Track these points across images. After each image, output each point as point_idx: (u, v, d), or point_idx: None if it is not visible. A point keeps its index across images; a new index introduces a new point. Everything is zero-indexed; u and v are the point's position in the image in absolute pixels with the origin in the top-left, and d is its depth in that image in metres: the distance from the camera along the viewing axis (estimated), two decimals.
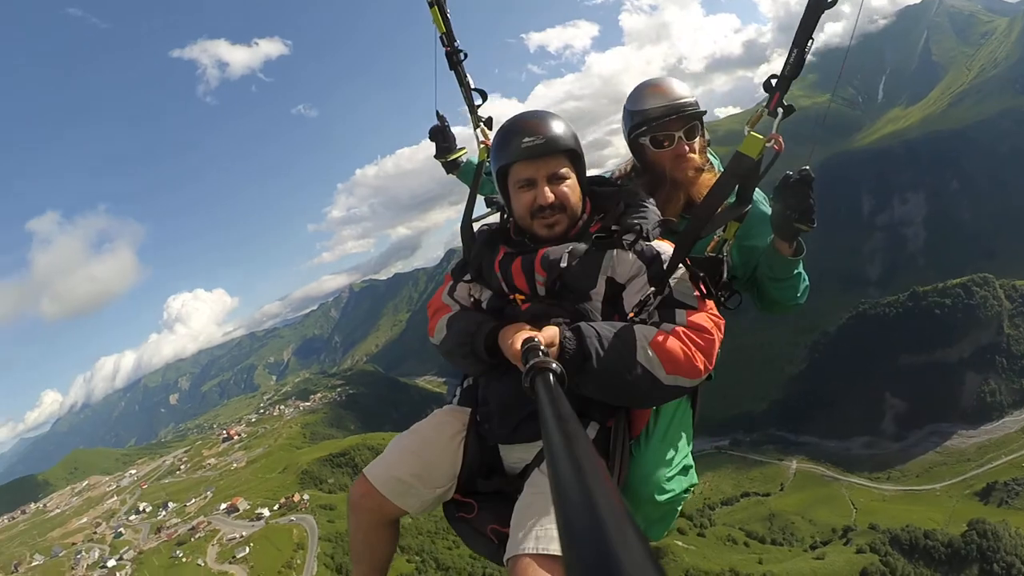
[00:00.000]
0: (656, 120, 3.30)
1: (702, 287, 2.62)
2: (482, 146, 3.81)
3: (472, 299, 2.99)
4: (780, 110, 2.71)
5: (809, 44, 2.51)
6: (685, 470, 3.17)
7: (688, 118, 3.30)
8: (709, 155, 3.56)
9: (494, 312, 2.85)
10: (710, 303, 2.62)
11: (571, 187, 2.73)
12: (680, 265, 2.62)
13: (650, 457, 3.03)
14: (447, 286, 3.08)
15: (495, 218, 3.57)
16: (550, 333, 2.41)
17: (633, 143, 3.48)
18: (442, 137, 4.33)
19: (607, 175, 3.63)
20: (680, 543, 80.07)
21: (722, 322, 2.60)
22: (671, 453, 3.09)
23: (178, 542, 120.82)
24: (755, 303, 3.49)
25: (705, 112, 3.38)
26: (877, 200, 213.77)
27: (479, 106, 3.88)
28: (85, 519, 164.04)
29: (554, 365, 1.73)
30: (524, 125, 2.65)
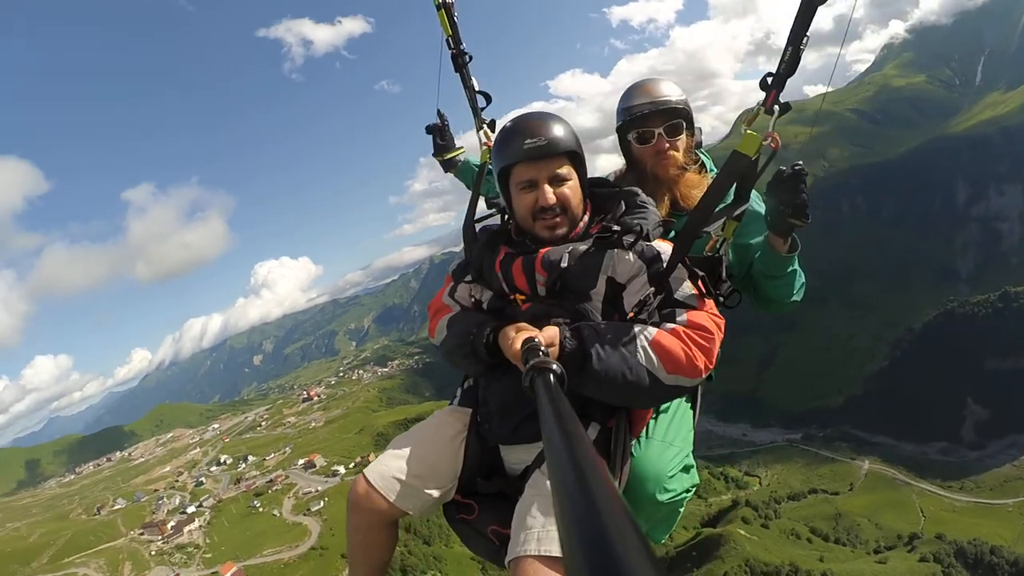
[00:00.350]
0: (639, 116, 3.39)
1: (701, 286, 2.67)
2: (484, 148, 3.86)
3: (473, 300, 3.04)
4: (776, 108, 2.77)
5: (804, 41, 2.58)
6: (686, 470, 3.22)
7: (669, 115, 3.38)
8: (701, 156, 3.66)
9: (494, 312, 2.89)
10: (710, 302, 2.68)
11: (572, 189, 2.76)
12: (679, 264, 2.68)
13: (651, 457, 3.07)
14: (448, 287, 3.13)
15: (496, 219, 3.64)
16: (550, 333, 2.45)
17: (621, 140, 3.61)
18: (440, 135, 4.42)
19: (607, 177, 3.73)
20: (743, 532, 79.77)
21: (722, 322, 2.65)
22: (672, 453, 3.13)
23: (256, 493, 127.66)
24: (751, 302, 3.53)
25: (689, 112, 3.44)
26: (973, 190, 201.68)
27: (483, 109, 3.93)
28: (168, 468, 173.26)
29: (554, 365, 1.74)
30: (526, 126, 2.70)
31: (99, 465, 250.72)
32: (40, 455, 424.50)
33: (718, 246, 3.11)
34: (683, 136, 3.43)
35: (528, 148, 2.64)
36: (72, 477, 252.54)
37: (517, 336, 2.37)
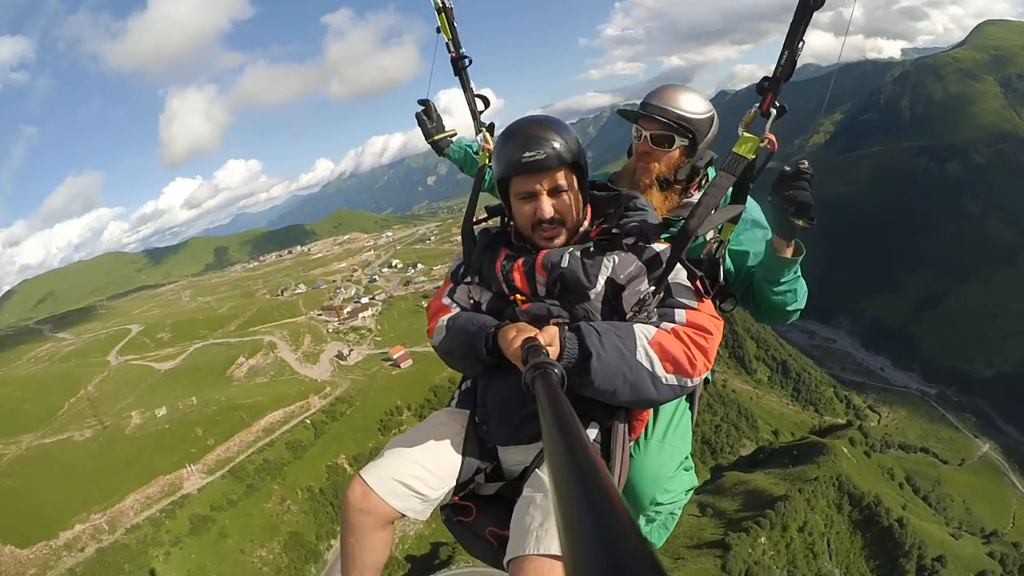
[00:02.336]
0: (640, 114, 3.43)
1: (699, 286, 2.71)
2: (484, 151, 3.89)
3: (472, 301, 3.05)
4: (773, 111, 2.77)
5: (800, 45, 2.59)
6: (685, 471, 3.25)
7: (664, 126, 3.34)
8: (710, 173, 3.58)
9: (494, 313, 2.90)
10: (708, 302, 2.72)
11: (571, 199, 2.76)
12: (678, 265, 2.73)
13: (650, 459, 3.10)
14: (447, 288, 3.16)
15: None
16: (550, 333, 2.45)
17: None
18: (428, 119, 4.39)
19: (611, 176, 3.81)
20: (845, 450, 77.33)
21: (721, 323, 2.70)
22: (671, 454, 3.15)
23: (423, 295, 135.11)
24: (751, 311, 3.52)
25: (694, 133, 3.36)
26: None
27: (482, 112, 4.01)
28: (343, 264, 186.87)
29: (554, 364, 1.76)
30: (524, 137, 2.65)
31: (280, 256, 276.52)
32: (228, 244, 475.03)
33: (715, 249, 3.11)
34: (672, 152, 3.39)
35: (526, 161, 2.62)
36: (255, 264, 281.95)
37: (517, 336, 2.39)
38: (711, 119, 3.41)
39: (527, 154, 2.60)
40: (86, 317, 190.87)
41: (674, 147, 3.38)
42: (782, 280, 3.14)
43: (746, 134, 2.82)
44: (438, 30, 3.90)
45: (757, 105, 2.81)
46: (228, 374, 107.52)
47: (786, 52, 2.63)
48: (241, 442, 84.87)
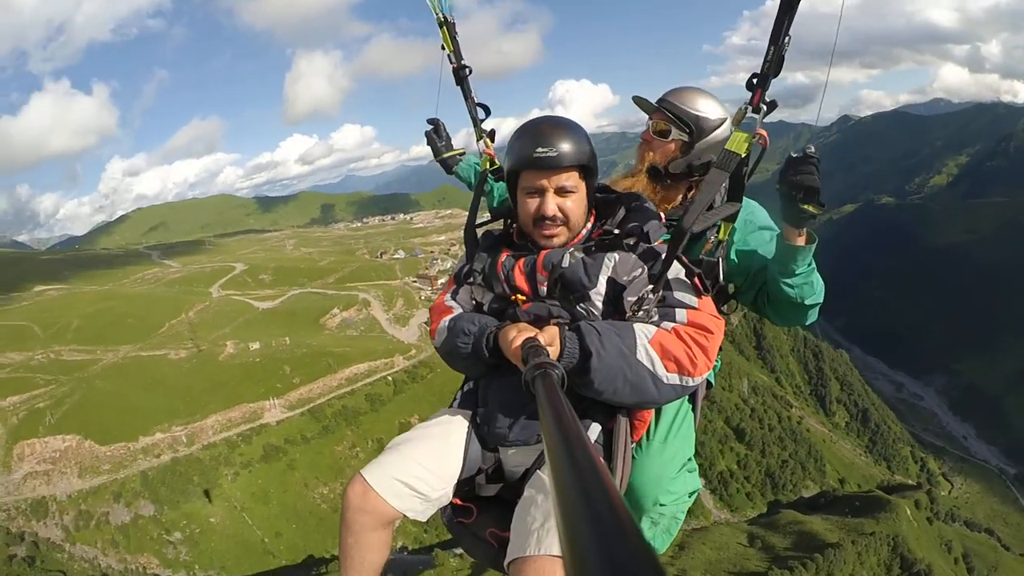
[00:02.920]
0: (655, 107, 3.49)
1: (698, 283, 2.73)
2: (485, 156, 4.00)
3: (474, 301, 3.07)
4: (763, 107, 2.85)
5: (786, 41, 2.65)
6: (688, 473, 3.27)
7: (663, 118, 3.41)
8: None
9: (495, 314, 2.93)
10: (708, 300, 2.74)
11: (576, 201, 2.79)
12: (676, 262, 2.74)
13: (652, 460, 3.12)
14: (450, 290, 3.18)
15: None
16: (551, 333, 2.47)
17: None
18: (437, 137, 4.48)
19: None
20: (908, 511, 74.77)
21: (722, 322, 2.72)
22: (673, 455, 3.18)
23: None
24: (766, 314, 3.40)
25: (696, 132, 3.37)
26: None
27: (483, 120, 4.09)
28: (443, 237, 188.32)
29: (555, 364, 1.79)
30: (540, 133, 2.70)
31: (383, 220, 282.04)
32: (335, 202, 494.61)
33: (714, 248, 3.12)
34: (668, 143, 3.42)
35: (537, 157, 2.64)
36: (358, 224, 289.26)
37: (517, 336, 2.41)
38: (719, 123, 3.40)
39: (539, 150, 2.65)
40: (194, 249, 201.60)
41: (671, 139, 3.43)
42: (796, 271, 3.02)
43: (737, 131, 2.86)
44: (443, 47, 4.03)
45: (747, 102, 2.89)
46: (321, 322, 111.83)
47: (772, 48, 2.69)
48: (324, 386, 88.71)
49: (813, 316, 3.24)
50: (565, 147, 2.64)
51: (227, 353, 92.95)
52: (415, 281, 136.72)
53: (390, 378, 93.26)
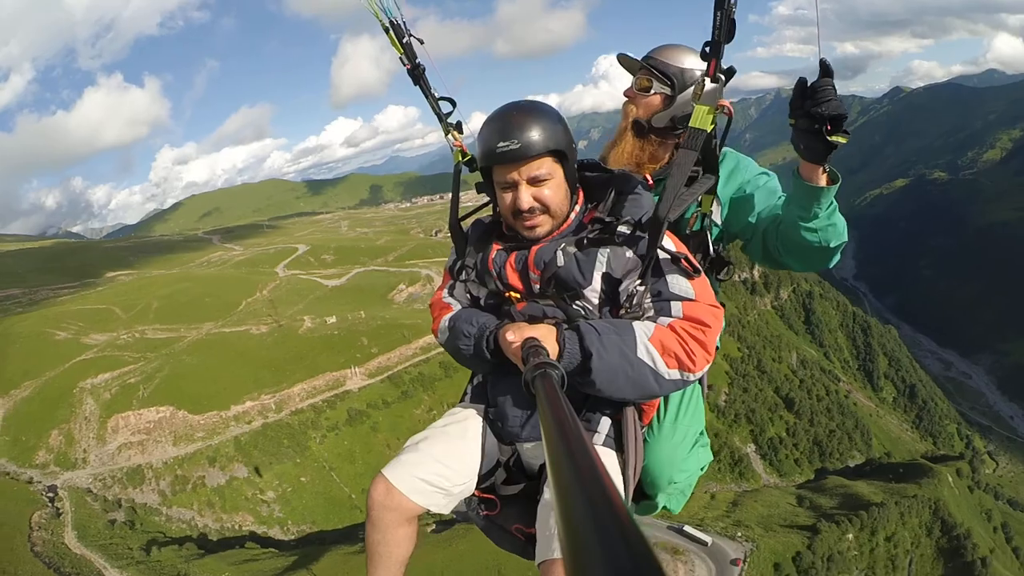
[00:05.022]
0: (640, 63, 3.43)
1: (687, 266, 2.61)
2: (456, 149, 3.67)
3: (471, 296, 3.07)
4: (721, 76, 2.67)
5: (732, 3, 2.45)
6: (699, 448, 3.34)
7: (647, 72, 3.36)
8: (727, 152, 3.51)
9: (492, 309, 2.92)
10: (706, 289, 2.66)
11: (554, 188, 2.69)
12: (661, 249, 2.62)
13: (664, 442, 3.17)
14: (447, 285, 3.18)
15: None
16: (551, 332, 2.47)
17: None
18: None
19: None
20: (950, 479, 78.72)
21: (720, 312, 2.66)
22: (684, 435, 3.22)
23: None
24: (782, 263, 3.29)
25: (677, 85, 3.28)
26: None
27: (449, 113, 3.77)
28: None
29: (554, 365, 1.79)
30: (501, 125, 2.61)
31: (432, 200, 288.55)
32: (383, 183, 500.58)
33: (701, 221, 3.12)
34: (651, 97, 3.37)
35: (501, 152, 2.58)
36: (408, 205, 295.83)
37: (517, 336, 2.43)
38: (699, 75, 2.87)
39: (501, 144, 2.56)
40: (252, 233, 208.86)
41: (652, 93, 3.34)
42: (820, 214, 2.85)
43: (699, 106, 2.68)
44: (400, 59, 3.67)
45: (703, 72, 2.68)
46: (389, 297, 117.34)
47: (718, 13, 2.48)
48: (400, 355, 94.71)
49: (836, 258, 3.17)
50: (529, 136, 2.55)
51: (306, 327, 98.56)
52: None
53: None
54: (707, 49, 2.62)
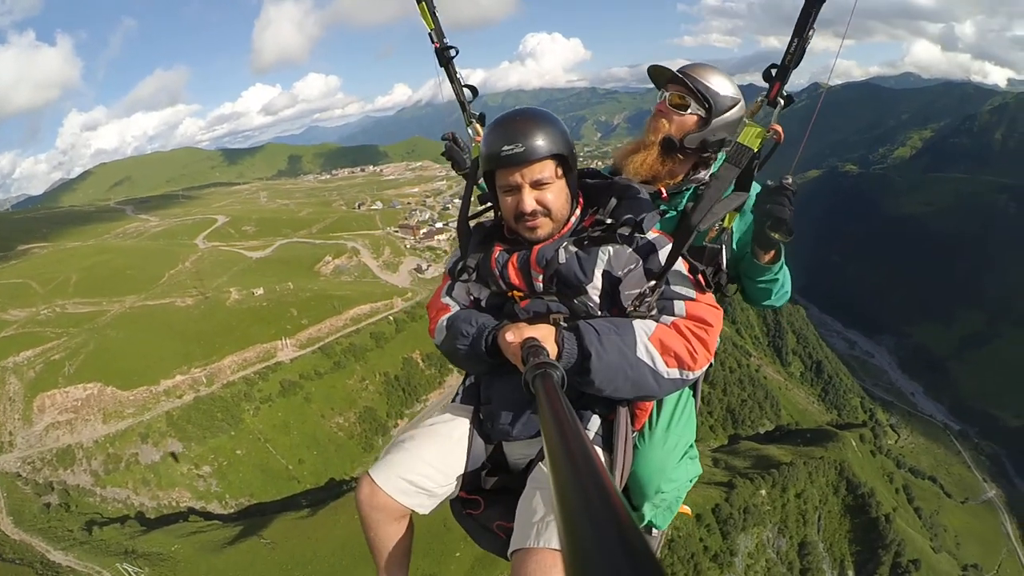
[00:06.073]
0: (673, 78, 3.40)
1: (701, 279, 2.76)
2: (475, 144, 3.68)
3: (471, 298, 3.12)
4: (780, 100, 2.73)
5: (810, 34, 2.54)
6: (689, 460, 3.32)
7: (687, 91, 3.31)
8: (719, 158, 3.43)
9: (492, 310, 2.97)
10: (708, 293, 2.77)
11: (556, 192, 2.74)
12: (680, 260, 2.72)
13: (654, 449, 3.16)
14: (445, 285, 3.21)
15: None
16: (550, 332, 2.50)
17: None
18: (457, 152, 4.03)
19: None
20: (854, 443, 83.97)
21: (720, 312, 2.73)
22: (675, 443, 3.22)
23: None
24: (742, 294, 3.47)
25: (714, 108, 3.30)
26: None
27: (471, 102, 3.84)
28: (416, 189, 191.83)
29: (554, 365, 1.80)
30: (506, 130, 2.66)
31: (353, 172, 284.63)
32: (302, 153, 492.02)
33: (718, 236, 3.05)
34: (685, 116, 3.33)
35: (505, 155, 2.62)
36: (328, 177, 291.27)
37: (517, 336, 2.46)
38: (734, 102, 3.32)
39: (506, 148, 2.60)
40: (167, 203, 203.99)
41: (688, 112, 3.32)
42: (761, 280, 3.16)
43: (751, 125, 2.77)
44: (429, 35, 3.62)
45: (764, 94, 2.78)
46: (316, 269, 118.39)
47: (795, 40, 2.58)
48: (331, 326, 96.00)
49: (784, 302, 3.45)
50: (533, 141, 2.60)
51: (233, 299, 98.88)
52: (396, 231, 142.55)
53: (391, 318, 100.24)
54: (772, 72, 2.71)
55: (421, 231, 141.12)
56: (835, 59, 2.88)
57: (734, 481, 68.40)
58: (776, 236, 2.77)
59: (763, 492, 69.23)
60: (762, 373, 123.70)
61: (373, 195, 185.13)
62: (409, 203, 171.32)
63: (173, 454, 76.95)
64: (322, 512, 58.98)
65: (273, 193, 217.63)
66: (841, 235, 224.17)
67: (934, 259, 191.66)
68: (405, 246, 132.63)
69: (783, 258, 3.04)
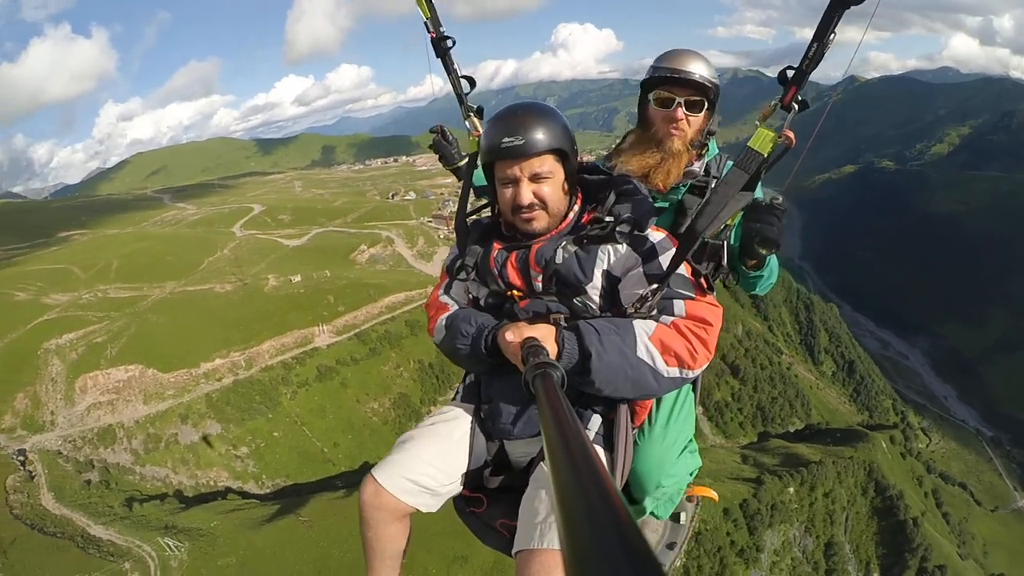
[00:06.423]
0: (667, 79, 3.35)
1: (703, 282, 2.74)
2: (473, 138, 3.73)
3: (469, 296, 3.12)
4: (795, 105, 2.70)
5: (831, 39, 2.49)
6: (689, 454, 3.41)
7: (696, 90, 3.33)
8: (710, 143, 3.59)
9: (492, 309, 2.99)
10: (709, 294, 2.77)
11: (553, 186, 2.78)
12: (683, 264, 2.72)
13: (654, 445, 3.22)
14: (443, 284, 3.21)
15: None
16: (550, 332, 2.51)
17: (642, 97, 3.59)
18: (447, 144, 4.29)
19: (602, 156, 3.87)
20: (884, 445, 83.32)
21: (720, 310, 2.73)
22: (674, 439, 3.29)
23: None
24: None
25: (715, 97, 3.40)
26: None
27: (468, 94, 3.82)
28: (449, 180, 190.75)
29: (554, 365, 1.79)
30: (507, 123, 2.70)
31: (386, 163, 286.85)
32: (336, 144, 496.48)
33: (720, 233, 2.97)
34: (700, 116, 3.41)
35: (505, 147, 2.66)
36: (361, 167, 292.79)
37: (516, 336, 2.46)
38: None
39: (506, 139, 2.64)
40: (204, 192, 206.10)
41: (703, 111, 3.39)
42: (751, 275, 3.34)
43: (762, 128, 2.71)
44: (425, 24, 3.63)
45: (778, 98, 2.74)
46: (351, 258, 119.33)
47: (815, 44, 2.52)
48: (367, 313, 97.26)
49: (764, 293, 3.66)
50: (533, 134, 2.64)
51: (271, 286, 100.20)
52: (430, 221, 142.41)
53: None
54: (788, 74, 2.65)
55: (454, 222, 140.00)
56: (854, 52, 2.87)
57: (762, 478, 68.33)
58: (764, 252, 2.91)
59: (791, 490, 69.06)
60: (793, 371, 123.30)
61: (406, 185, 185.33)
62: (442, 193, 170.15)
63: (207, 438, 78.29)
64: (357, 493, 59.31)
65: (308, 183, 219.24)
66: (875, 232, 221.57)
67: (967, 258, 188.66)
68: (439, 236, 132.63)
69: (768, 263, 3.23)
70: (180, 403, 79.15)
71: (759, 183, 3.01)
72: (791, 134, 2.73)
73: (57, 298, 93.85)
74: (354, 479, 71.88)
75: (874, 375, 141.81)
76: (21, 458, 67.09)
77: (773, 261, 3.31)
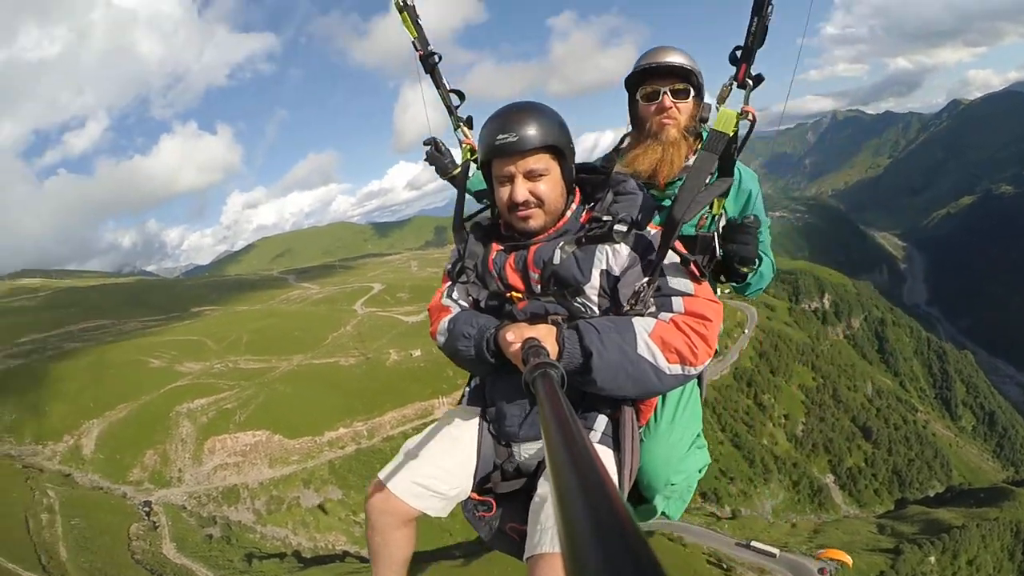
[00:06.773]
0: (648, 72, 3.43)
1: (695, 269, 2.73)
2: (465, 146, 3.82)
3: (471, 298, 3.09)
4: (749, 81, 2.77)
5: (769, 10, 2.57)
6: (696, 450, 3.37)
7: (678, 76, 3.39)
8: (704, 131, 3.52)
9: (492, 311, 2.97)
10: (705, 286, 2.76)
11: (549, 183, 2.77)
12: (672, 252, 2.73)
13: (660, 442, 3.21)
14: (445, 287, 3.21)
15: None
16: (550, 332, 2.53)
17: (630, 99, 3.65)
18: (440, 155, 4.17)
19: (605, 156, 3.70)
20: None
21: (720, 306, 2.73)
22: (681, 436, 3.27)
23: None
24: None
25: (699, 82, 3.45)
26: None
27: (458, 107, 3.89)
28: None
29: (554, 365, 1.77)
30: (502, 121, 2.71)
31: None
32: (447, 224, 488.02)
33: (708, 224, 3.11)
34: (689, 102, 3.44)
35: (500, 144, 2.67)
36: None
37: (517, 337, 2.47)
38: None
39: (500, 137, 2.64)
40: (326, 273, 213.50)
41: (690, 97, 3.42)
42: (738, 286, 3.40)
43: (724, 109, 2.79)
44: (413, 43, 3.75)
45: (732, 77, 2.82)
46: None
47: (755, 19, 2.59)
48: None
49: (755, 297, 3.89)
50: (528, 131, 2.64)
51: (392, 360, 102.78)
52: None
53: None
54: (737, 54, 2.77)
55: None
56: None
57: (901, 547, 65.21)
58: (745, 271, 3.07)
59: (932, 559, 65.23)
60: (930, 429, 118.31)
61: None
62: None
63: (327, 503, 79.49)
64: (476, 563, 59.12)
65: (423, 262, 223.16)
66: (1005, 266, 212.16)
67: None
68: None
69: (754, 273, 3.31)
70: (304, 468, 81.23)
71: (735, 165, 3.12)
72: (751, 109, 2.83)
73: (190, 366, 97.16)
74: (471, 548, 70.89)
75: (1018, 425, 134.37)
76: (146, 509, 68.30)
77: (764, 266, 3.37)
